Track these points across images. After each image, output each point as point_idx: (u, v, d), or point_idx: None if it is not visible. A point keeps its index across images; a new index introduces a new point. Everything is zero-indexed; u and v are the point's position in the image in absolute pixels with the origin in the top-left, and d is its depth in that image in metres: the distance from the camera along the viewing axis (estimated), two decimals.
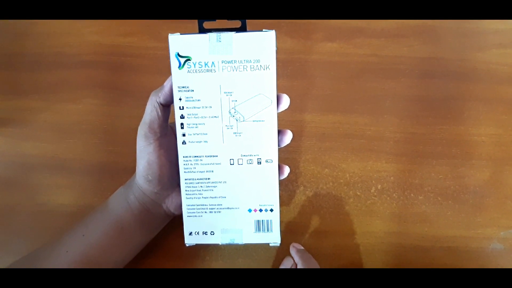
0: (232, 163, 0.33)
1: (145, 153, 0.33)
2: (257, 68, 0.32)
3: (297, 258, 0.37)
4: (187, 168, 0.34)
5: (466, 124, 0.43)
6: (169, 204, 0.36)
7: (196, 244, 0.35)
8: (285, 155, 0.43)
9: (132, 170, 0.35)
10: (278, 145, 0.33)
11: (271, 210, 0.34)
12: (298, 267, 0.36)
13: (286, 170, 0.34)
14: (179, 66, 0.32)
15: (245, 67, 0.32)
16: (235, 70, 0.32)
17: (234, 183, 0.34)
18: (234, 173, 0.34)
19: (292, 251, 0.38)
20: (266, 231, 0.34)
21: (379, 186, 0.42)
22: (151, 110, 0.33)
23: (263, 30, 0.31)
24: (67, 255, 0.33)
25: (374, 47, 0.46)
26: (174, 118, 0.33)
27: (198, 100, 0.32)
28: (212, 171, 0.34)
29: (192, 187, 0.34)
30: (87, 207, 0.42)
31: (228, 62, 0.32)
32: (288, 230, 0.41)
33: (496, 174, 0.42)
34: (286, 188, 0.42)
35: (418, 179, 0.42)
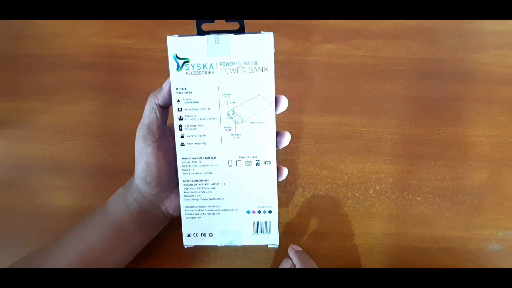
0: (230, 164, 0.34)
1: (143, 155, 0.33)
2: (255, 69, 0.32)
3: (295, 259, 0.37)
4: (185, 170, 0.34)
5: (464, 125, 0.44)
6: (167, 206, 0.36)
7: (195, 246, 0.35)
8: (284, 157, 0.43)
9: (131, 171, 0.35)
10: (277, 147, 0.33)
11: (270, 211, 0.34)
12: (297, 268, 0.36)
13: (285, 172, 0.35)
14: (177, 68, 0.32)
15: (243, 69, 0.32)
16: (233, 72, 0.32)
17: (232, 185, 0.34)
18: (232, 175, 0.34)
19: (291, 252, 0.38)
20: (264, 233, 0.34)
21: (377, 187, 0.42)
22: (149, 112, 0.33)
23: (261, 32, 0.31)
24: (66, 257, 0.33)
25: (372, 49, 0.46)
26: (173, 120, 0.33)
27: (197, 102, 0.33)
28: (211, 173, 0.34)
29: (191, 188, 0.34)
30: (86, 208, 0.42)
31: (226, 64, 0.32)
32: (287, 231, 0.41)
33: (494, 175, 0.42)
34: (285, 190, 0.42)
35: (416, 180, 0.42)
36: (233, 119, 0.33)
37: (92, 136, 0.44)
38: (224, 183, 0.34)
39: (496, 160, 0.43)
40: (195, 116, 0.33)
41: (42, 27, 0.47)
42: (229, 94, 0.32)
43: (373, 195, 0.42)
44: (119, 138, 0.44)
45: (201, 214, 0.34)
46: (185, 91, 0.32)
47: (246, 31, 0.32)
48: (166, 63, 0.32)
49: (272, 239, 0.35)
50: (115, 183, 0.38)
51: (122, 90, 0.45)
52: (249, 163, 0.33)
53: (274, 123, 0.33)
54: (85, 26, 0.47)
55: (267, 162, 0.33)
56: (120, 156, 0.43)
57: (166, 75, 0.32)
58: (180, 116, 0.33)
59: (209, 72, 0.32)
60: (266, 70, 0.32)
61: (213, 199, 0.34)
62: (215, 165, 0.34)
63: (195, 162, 0.34)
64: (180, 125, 0.33)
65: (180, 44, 0.32)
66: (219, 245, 0.35)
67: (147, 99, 0.33)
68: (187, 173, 0.34)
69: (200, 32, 0.32)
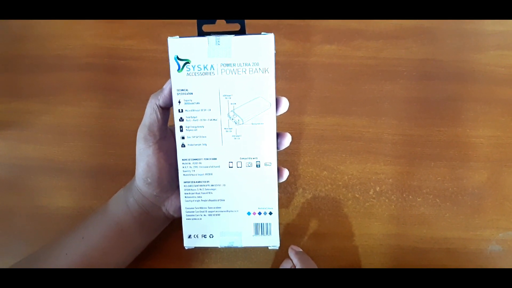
0: (231, 166, 0.34)
1: (144, 156, 0.33)
2: (256, 71, 0.32)
3: (295, 260, 0.37)
4: (186, 171, 0.34)
5: (464, 125, 0.44)
6: (168, 207, 0.36)
7: (195, 247, 0.35)
8: (284, 158, 0.43)
9: (132, 172, 0.35)
10: (277, 148, 0.33)
11: (270, 213, 0.34)
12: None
13: (285, 173, 0.35)
14: (178, 69, 0.32)
15: (244, 70, 0.32)
16: (234, 73, 0.32)
17: (233, 186, 0.34)
18: (233, 176, 0.34)
19: (291, 253, 0.38)
20: (265, 234, 0.35)
21: (377, 188, 0.42)
22: (150, 113, 0.33)
23: (262, 33, 0.31)
24: (66, 257, 0.33)
25: (372, 49, 0.46)
26: (174, 121, 0.33)
27: (197, 103, 0.33)
28: (211, 174, 0.34)
29: (191, 189, 0.34)
30: (86, 209, 0.42)
31: (227, 65, 0.32)
32: (287, 232, 0.41)
33: (494, 175, 0.42)
34: (285, 191, 0.42)
35: (417, 181, 0.42)
36: (233, 120, 0.33)
37: (92, 137, 0.44)
38: (224, 184, 0.34)
39: (497, 161, 0.43)
40: (196, 117, 0.33)
41: (43, 28, 0.47)
42: (230, 95, 0.32)
43: (373, 196, 0.42)
44: (120, 139, 0.44)
45: (201, 215, 0.34)
46: (186, 92, 0.32)
47: (246, 33, 0.32)
48: (167, 64, 0.32)
49: (272, 241, 0.35)
50: (116, 184, 0.38)
51: (123, 91, 0.45)
52: (249, 165, 0.33)
53: (275, 124, 0.33)
54: (85, 27, 0.47)
55: (267, 164, 0.33)
56: (120, 157, 0.43)
57: (167, 76, 0.32)
58: (181, 117, 0.33)
59: (209, 73, 0.32)
60: (266, 72, 0.32)
61: (214, 200, 0.34)
62: (215, 166, 0.34)
63: (196, 163, 0.34)
64: (181, 126, 0.33)
65: (181, 45, 0.32)
66: (219, 247, 0.35)
67: (148, 100, 0.33)
68: (187, 174, 0.34)
69: (201, 33, 0.32)
